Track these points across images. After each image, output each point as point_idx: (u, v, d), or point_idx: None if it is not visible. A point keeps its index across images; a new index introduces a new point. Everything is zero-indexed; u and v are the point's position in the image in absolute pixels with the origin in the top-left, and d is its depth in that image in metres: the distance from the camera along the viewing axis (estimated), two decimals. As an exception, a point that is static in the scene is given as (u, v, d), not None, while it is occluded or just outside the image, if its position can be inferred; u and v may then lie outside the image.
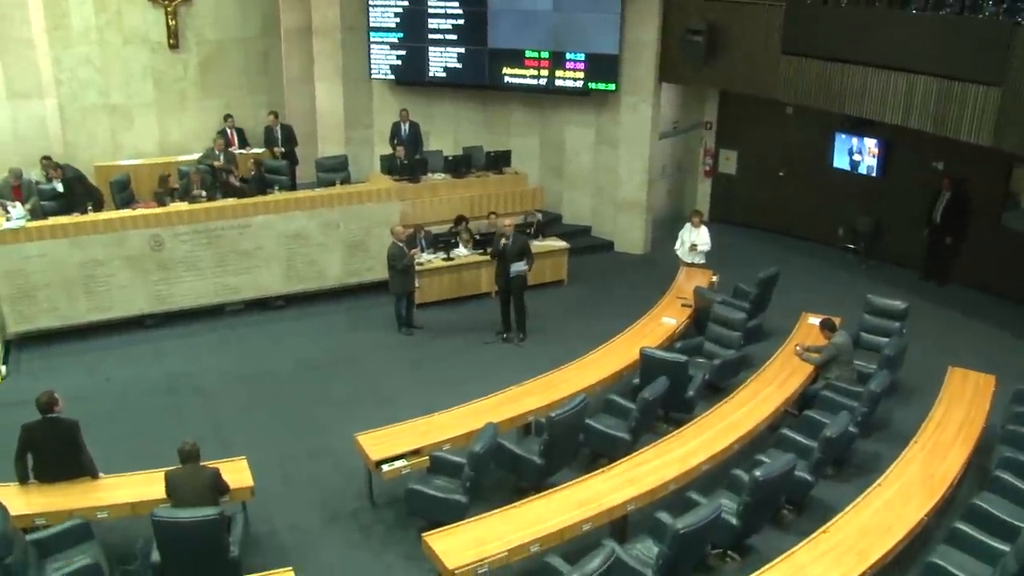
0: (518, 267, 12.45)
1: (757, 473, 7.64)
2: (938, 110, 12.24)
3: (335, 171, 15.49)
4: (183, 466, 7.53)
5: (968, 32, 12.04)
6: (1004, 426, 9.61)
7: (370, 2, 16.51)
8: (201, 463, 7.64)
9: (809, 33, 13.99)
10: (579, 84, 15.89)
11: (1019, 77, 11.07)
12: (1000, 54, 11.27)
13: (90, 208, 13.32)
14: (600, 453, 9.52)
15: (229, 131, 16.20)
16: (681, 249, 13.89)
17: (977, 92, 11.67)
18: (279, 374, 11.84)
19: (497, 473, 9.04)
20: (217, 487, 7.60)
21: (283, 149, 16.20)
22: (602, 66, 15.66)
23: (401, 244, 12.68)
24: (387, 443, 8.89)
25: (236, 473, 8.17)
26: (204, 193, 13.58)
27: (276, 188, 14.64)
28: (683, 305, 12.40)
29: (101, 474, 8.20)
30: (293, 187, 15.49)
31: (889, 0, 14.35)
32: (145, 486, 7.95)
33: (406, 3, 16.34)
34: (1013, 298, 14.43)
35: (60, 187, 13.86)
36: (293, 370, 11.96)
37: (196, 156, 15.49)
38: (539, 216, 15.36)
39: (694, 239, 13.74)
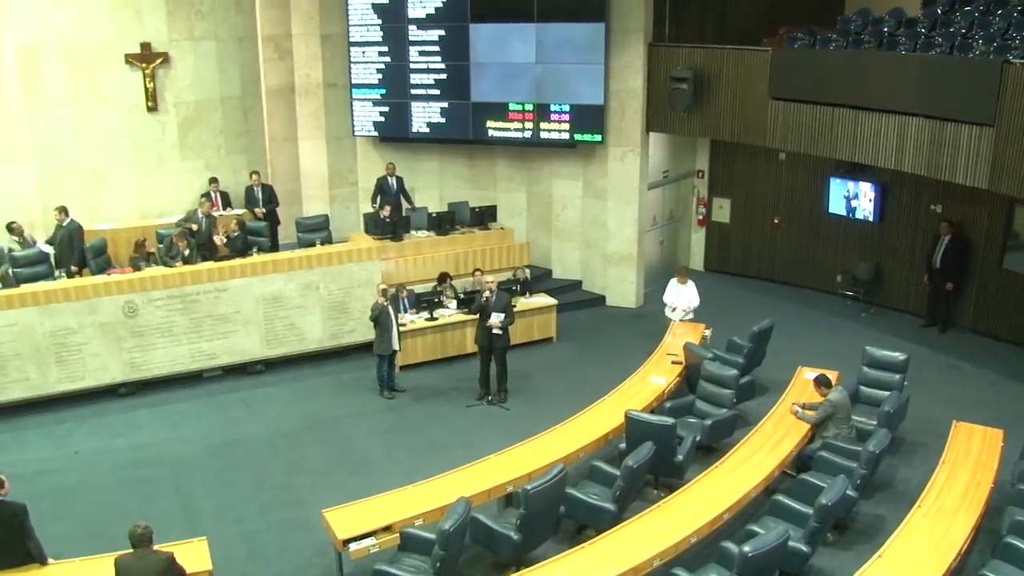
0: (495, 319, 12.03)
1: (747, 548, 7.12)
2: (931, 153, 11.89)
3: (316, 231, 15.17)
4: (134, 551, 7.02)
5: (958, 72, 11.72)
6: (1015, 484, 9.11)
7: (352, 59, 16.32)
8: (155, 546, 7.14)
9: (798, 78, 13.73)
10: (565, 136, 15.58)
11: (1012, 117, 10.70)
12: (991, 94, 10.92)
13: (74, 270, 13.12)
14: (585, 524, 9.02)
15: (214, 194, 15.88)
16: (668, 312, 13.53)
17: (970, 133, 11.31)
18: (255, 442, 11.38)
19: (474, 547, 8.56)
20: (170, 573, 7.10)
21: (264, 209, 15.88)
22: (588, 117, 15.36)
23: (384, 303, 12.30)
24: (358, 518, 8.41)
25: (195, 556, 7.69)
26: (185, 252, 13.26)
27: (256, 250, 14.28)
28: (673, 363, 11.93)
29: (51, 560, 7.72)
30: (274, 248, 15.16)
31: (878, 42, 14.13)
32: (96, 573, 7.46)
33: (388, 59, 16.12)
34: (1017, 342, 13.98)
35: (46, 248, 13.64)
36: (270, 438, 11.51)
37: (176, 219, 15.15)
38: (527, 272, 14.96)
39: (678, 303, 13.37)
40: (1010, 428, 10.18)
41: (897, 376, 11.23)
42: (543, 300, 14.63)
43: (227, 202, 16.09)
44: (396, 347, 12.63)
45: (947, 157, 11.66)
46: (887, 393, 10.76)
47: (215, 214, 15.22)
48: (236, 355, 13.19)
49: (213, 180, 15.97)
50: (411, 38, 15.95)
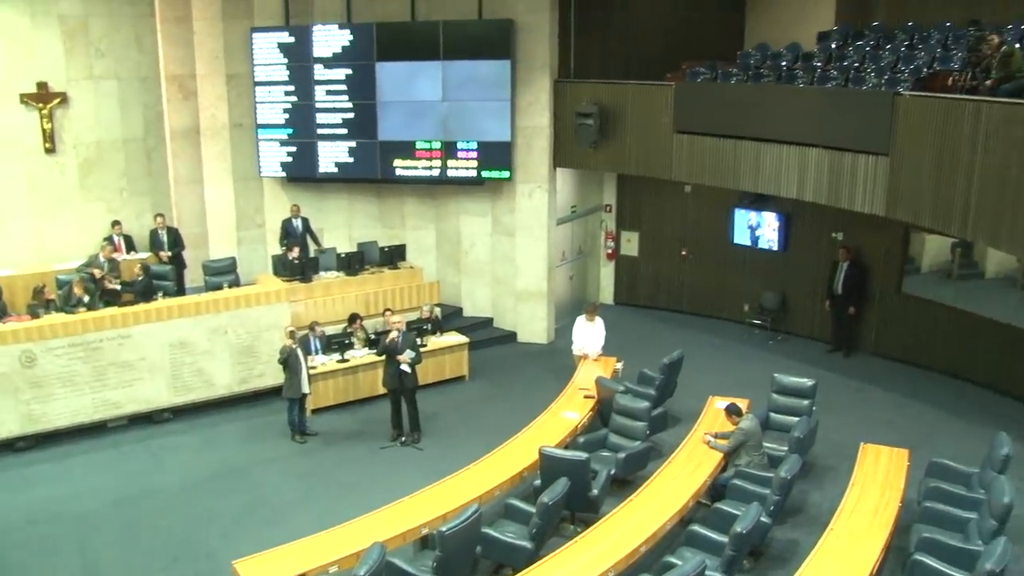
0: (405, 356, 11.93)
1: (664, 580, 7.11)
2: (831, 182, 12.18)
3: (223, 274, 14.88)
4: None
5: (853, 104, 12.07)
6: (921, 502, 9.38)
7: (258, 99, 16.12)
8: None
9: (701, 111, 13.97)
10: (472, 173, 15.59)
11: (904, 146, 11.05)
12: (884, 124, 11.26)
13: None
14: (503, 563, 8.91)
15: (117, 238, 15.45)
16: (575, 350, 13.58)
17: (867, 163, 11.63)
18: (162, 494, 10.98)
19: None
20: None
21: (170, 253, 15.51)
22: (495, 154, 15.42)
23: (292, 345, 12.07)
24: (270, 568, 8.15)
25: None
26: (86, 299, 12.86)
27: (161, 294, 13.93)
28: (585, 397, 11.95)
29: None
30: (180, 292, 14.80)
31: (777, 75, 14.51)
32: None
33: (294, 99, 15.97)
34: (920, 365, 14.42)
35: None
36: (178, 488, 11.11)
37: (76, 265, 14.68)
38: (437, 310, 14.88)
39: (586, 342, 13.41)
40: (915, 447, 10.49)
41: (806, 402, 11.42)
42: (454, 339, 14.54)
43: (131, 246, 15.68)
44: (306, 390, 12.41)
45: (846, 186, 11.97)
46: (797, 419, 10.92)
47: (118, 258, 14.82)
48: (142, 403, 12.79)
49: (116, 223, 15.56)
50: (317, 77, 15.84)
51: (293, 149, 16.18)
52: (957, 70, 12.25)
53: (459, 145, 15.51)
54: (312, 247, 15.85)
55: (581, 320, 13.62)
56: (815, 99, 12.78)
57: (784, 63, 15.01)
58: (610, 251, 17.90)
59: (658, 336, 15.77)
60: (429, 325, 14.29)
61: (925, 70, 13.07)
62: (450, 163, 15.61)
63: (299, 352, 12.18)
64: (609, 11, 16.31)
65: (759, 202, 15.63)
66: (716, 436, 10.48)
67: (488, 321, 16.53)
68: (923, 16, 15.04)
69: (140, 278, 13.87)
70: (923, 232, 14.01)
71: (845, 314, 14.96)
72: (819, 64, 14.53)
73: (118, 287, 13.56)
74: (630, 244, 17.73)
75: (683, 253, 17.09)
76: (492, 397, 13.94)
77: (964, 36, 13.49)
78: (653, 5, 17.03)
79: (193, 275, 15.77)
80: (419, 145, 15.67)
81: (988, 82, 10.83)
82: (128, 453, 12.11)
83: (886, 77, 13.09)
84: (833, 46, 15.17)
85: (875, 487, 9.41)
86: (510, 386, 14.31)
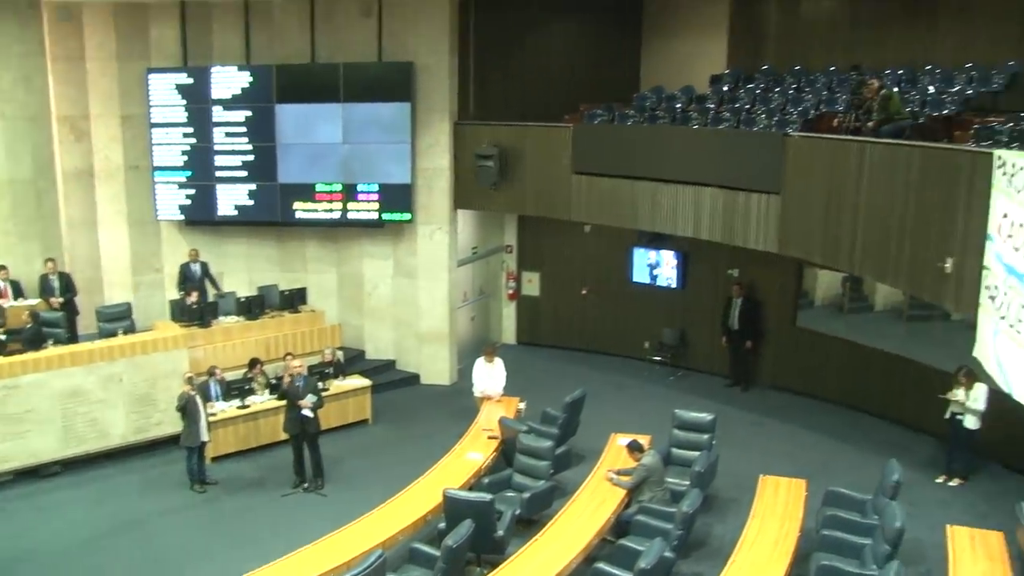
0: (307, 400, 11.78)
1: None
2: (726, 220, 12.52)
3: (118, 320, 14.44)
4: None
5: (745, 144, 12.48)
6: (819, 531, 9.59)
7: (154, 141, 15.80)
8: None
9: (599, 152, 14.23)
10: (373, 215, 15.56)
11: (794, 185, 11.43)
12: (775, 164, 11.64)
13: None
14: (409, 608, 8.81)
15: (3, 284, 14.90)
16: (476, 392, 13.56)
17: (759, 201, 11.99)
18: (49, 554, 10.43)
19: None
20: None
21: (61, 299, 14.99)
22: (396, 196, 15.41)
23: (191, 392, 11.79)
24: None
25: None
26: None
27: (51, 342, 13.48)
28: (489, 438, 11.94)
29: None
30: (73, 340, 14.30)
31: (672, 117, 14.87)
32: None
33: (193, 140, 15.71)
34: (815, 396, 14.80)
35: None
36: (66, 548, 10.58)
37: (-41, 313, 14.13)
38: (340, 354, 14.73)
39: (487, 383, 13.41)
40: (812, 477, 10.75)
41: (706, 436, 11.62)
42: (357, 382, 14.39)
43: (18, 292, 15.10)
44: (205, 438, 12.11)
45: (740, 224, 12.31)
46: (697, 453, 11.09)
47: (4, 305, 14.30)
48: (30, 457, 12.27)
49: (1, 268, 15.02)
50: (216, 119, 15.63)
51: (191, 192, 15.89)
52: (842, 112, 12.76)
53: (360, 187, 15.46)
54: (211, 291, 15.55)
55: (481, 361, 13.62)
56: (709, 140, 13.16)
57: (679, 105, 15.41)
58: (512, 291, 17.99)
59: (560, 375, 15.88)
60: (331, 369, 14.13)
61: (812, 112, 13.60)
62: (351, 205, 15.54)
63: (198, 399, 11.90)
64: (509, 54, 16.57)
65: (657, 241, 15.94)
66: (619, 473, 10.57)
67: (391, 363, 16.41)
68: (809, 61, 15.66)
69: (28, 325, 13.39)
70: (815, 267, 14.46)
71: (742, 349, 15.31)
72: (712, 106, 14.96)
73: (2, 336, 13.05)
74: (531, 284, 17.87)
75: (584, 292, 17.28)
76: (396, 440, 13.81)
77: (847, 80, 14.08)
78: (552, 48, 17.36)
79: (86, 321, 15.25)
80: (319, 188, 15.56)
81: (870, 124, 11.32)
82: (12, 511, 11.53)
83: (776, 119, 13.55)
84: (725, 89, 15.67)
85: (775, 518, 9.60)
86: (414, 428, 14.21)
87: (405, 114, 15.15)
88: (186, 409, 11.76)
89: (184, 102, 15.63)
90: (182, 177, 15.88)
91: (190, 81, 15.56)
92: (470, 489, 10.49)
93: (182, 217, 16.18)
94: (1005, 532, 9.14)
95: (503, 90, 16.68)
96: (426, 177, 15.53)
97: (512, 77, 16.81)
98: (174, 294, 15.54)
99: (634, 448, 10.66)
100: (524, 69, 16.90)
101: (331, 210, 15.61)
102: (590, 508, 9.93)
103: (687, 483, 10.48)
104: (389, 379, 15.84)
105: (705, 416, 11.77)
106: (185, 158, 15.83)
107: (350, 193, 15.50)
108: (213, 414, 12.62)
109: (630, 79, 18.04)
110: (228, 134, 15.66)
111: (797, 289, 15.09)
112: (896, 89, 12.33)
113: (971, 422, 11.56)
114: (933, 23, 14.53)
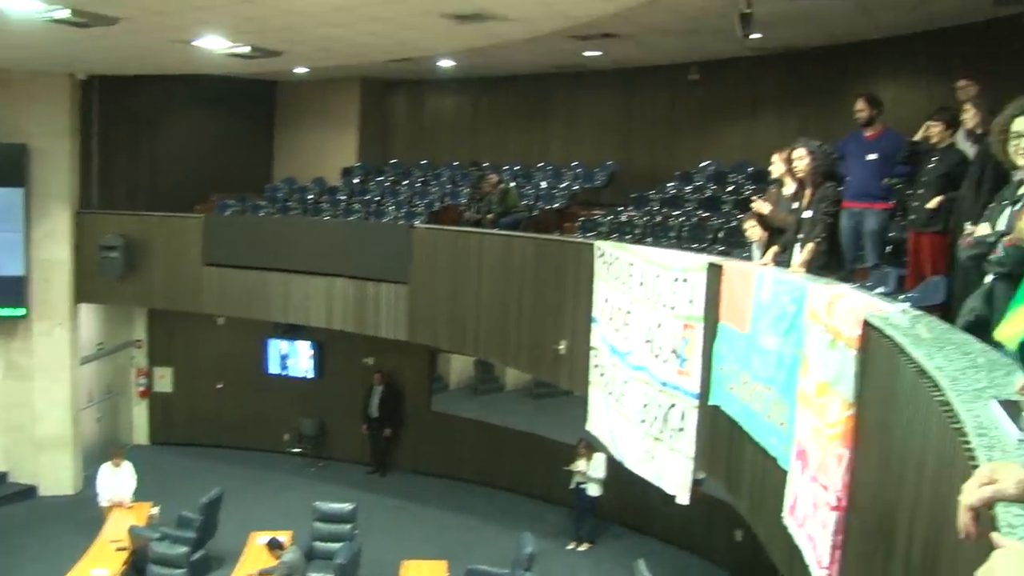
0: None
1: None
2: (358, 310, 12.71)
3: None
4: None
5: (375, 235, 12.81)
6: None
7: None
8: None
9: (230, 243, 13.95)
10: (-19, 312, 14.18)
11: (421, 274, 11.88)
12: (403, 254, 12.05)
13: None
14: None
15: None
16: (101, 500, 12.67)
17: (389, 291, 12.31)
18: None
19: None
20: None
21: None
22: (8, 290, 14.12)
23: None
24: None
25: None
26: None
27: None
28: (118, 549, 11.12)
29: None
30: None
31: (304, 208, 14.99)
32: None
33: None
34: (454, 477, 15.24)
35: None
36: None
37: None
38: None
39: (112, 492, 12.57)
40: (453, 557, 11.13)
41: (347, 526, 11.60)
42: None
43: None
44: None
45: (371, 313, 12.55)
46: (340, 545, 11.02)
47: None
48: None
49: None
50: None
51: None
52: (464, 204, 13.52)
53: (-40, 282, 14.06)
54: None
55: (107, 467, 12.69)
56: (340, 231, 13.39)
57: (311, 196, 15.58)
58: (142, 388, 16.99)
59: (197, 474, 15.11)
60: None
61: (437, 204, 14.28)
62: (-52, 303, 14.07)
63: None
64: (137, 140, 15.91)
65: (294, 331, 15.84)
66: (261, 573, 10.26)
67: (2, 477, 14.81)
68: (434, 155, 16.49)
69: None
70: (447, 352, 15.04)
71: (381, 436, 15.50)
72: (344, 198, 15.27)
73: None
74: (164, 380, 17.00)
75: (219, 386, 16.70)
76: (5, 567, 12.35)
77: (469, 175, 14.97)
78: (183, 136, 16.84)
79: None
80: (-89, 283, 13.96)
81: (490, 216, 12.06)
82: None
83: (404, 211, 14.09)
84: (356, 181, 16.07)
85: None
86: (29, 548, 12.73)
87: (17, 201, 13.99)
88: None
89: None
90: None
91: None
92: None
93: None
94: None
95: (131, 178, 15.97)
96: (43, 269, 14.38)
97: (141, 165, 16.15)
98: None
99: (274, 546, 10.40)
100: (154, 157, 16.29)
101: (-74, 308, 14.04)
102: (228, 614, 9.54)
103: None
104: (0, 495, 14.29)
105: (346, 506, 11.76)
106: None
107: (-51, 289, 14.03)
108: None
109: (263, 169, 17.95)
110: None
111: (431, 374, 15.59)
112: (513, 183, 13.31)
113: (593, 490, 12.54)
114: (545, 125, 15.92)
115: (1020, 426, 2.02)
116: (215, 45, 10.89)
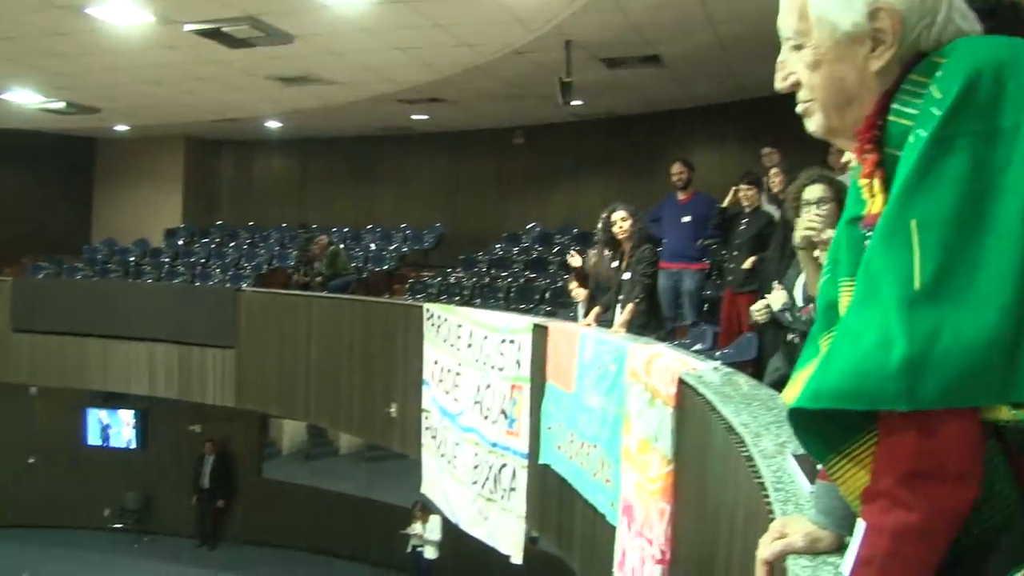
0: None
1: None
2: (182, 377, 12.25)
3: None
4: None
5: (199, 299, 12.44)
6: None
7: None
8: None
9: (43, 308, 13.22)
10: None
11: (249, 339, 11.59)
12: (230, 318, 11.74)
13: None
14: None
15: None
16: None
17: (215, 356, 11.93)
18: None
19: None
20: None
21: None
22: None
23: None
24: None
25: None
26: None
27: None
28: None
29: None
30: None
31: (125, 271, 14.44)
32: None
33: None
34: (287, 546, 14.78)
35: None
36: None
37: None
38: None
39: None
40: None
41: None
42: None
43: None
44: None
45: (197, 379, 12.12)
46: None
47: None
48: None
49: None
50: None
51: None
52: (292, 267, 13.32)
53: None
54: None
55: None
56: (163, 295, 12.93)
57: (132, 258, 15.03)
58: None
59: (2, 559, 14.03)
60: None
61: (265, 267, 14.02)
62: None
63: None
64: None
65: (114, 400, 15.11)
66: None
67: None
68: (262, 217, 16.20)
69: None
70: (279, 418, 14.68)
71: (212, 507, 14.88)
72: (167, 260, 14.79)
73: None
74: (-33, 458, 15.84)
75: (30, 461, 15.65)
76: None
77: (297, 237, 14.78)
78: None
79: None
80: None
81: (319, 278, 11.93)
82: None
83: (231, 273, 13.75)
84: (180, 243, 15.59)
85: None
86: None
87: None
88: None
89: None
90: None
91: None
92: None
93: None
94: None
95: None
96: None
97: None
98: None
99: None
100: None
101: None
102: None
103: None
104: None
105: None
106: None
107: None
108: None
109: (81, 230, 17.16)
110: None
111: (262, 440, 15.16)
112: (342, 245, 13.21)
113: (430, 552, 12.39)
114: (374, 187, 15.93)
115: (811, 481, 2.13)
116: (27, 100, 10.46)
